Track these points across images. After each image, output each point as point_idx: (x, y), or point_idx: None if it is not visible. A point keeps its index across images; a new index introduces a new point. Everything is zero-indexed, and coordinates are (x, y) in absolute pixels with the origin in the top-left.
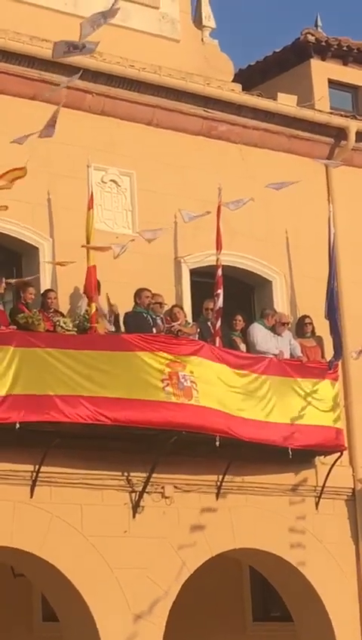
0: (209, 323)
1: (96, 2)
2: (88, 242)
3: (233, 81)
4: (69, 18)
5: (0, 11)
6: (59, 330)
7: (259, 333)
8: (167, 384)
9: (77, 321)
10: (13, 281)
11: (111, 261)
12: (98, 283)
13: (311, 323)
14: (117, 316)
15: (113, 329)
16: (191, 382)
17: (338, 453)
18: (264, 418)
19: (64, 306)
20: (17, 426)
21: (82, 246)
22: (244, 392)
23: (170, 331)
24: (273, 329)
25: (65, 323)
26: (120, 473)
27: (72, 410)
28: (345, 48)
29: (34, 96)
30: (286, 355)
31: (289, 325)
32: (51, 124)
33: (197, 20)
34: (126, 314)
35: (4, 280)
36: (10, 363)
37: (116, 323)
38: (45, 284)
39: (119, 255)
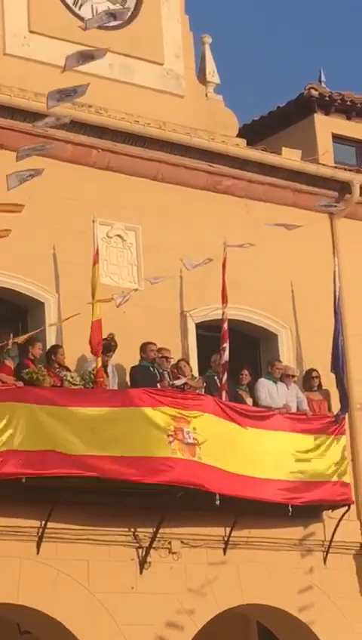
0: (215, 377)
1: (103, 59)
2: (93, 297)
3: (237, 136)
4: (75, 75)
5: (5, 68)
6: (66, 385)
7: (264, 388)
8: (172, 440)
9: (88, 377)
10: (20, 339)
11: (116, 315)
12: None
13: (318, 376)
14: None
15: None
16: (194, 439)
17: (346, 507)
18: (268, 474)
19: (69, 361)
20: (24, 480)
21: (88, 303)
22: (249, 447)
23: (175, 385)
24: (280, 380)
25: (72, 377)
26: (126, 529)
27: (76, 470)
28: (348, 103)
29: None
30: (293, 409)
31: (296, 379)
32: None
33: (202, 76)
34: (132, 368)
35: (11, 336)
36: (12, 420)
37: None
38: (50, 338)
39: (121, 304)
